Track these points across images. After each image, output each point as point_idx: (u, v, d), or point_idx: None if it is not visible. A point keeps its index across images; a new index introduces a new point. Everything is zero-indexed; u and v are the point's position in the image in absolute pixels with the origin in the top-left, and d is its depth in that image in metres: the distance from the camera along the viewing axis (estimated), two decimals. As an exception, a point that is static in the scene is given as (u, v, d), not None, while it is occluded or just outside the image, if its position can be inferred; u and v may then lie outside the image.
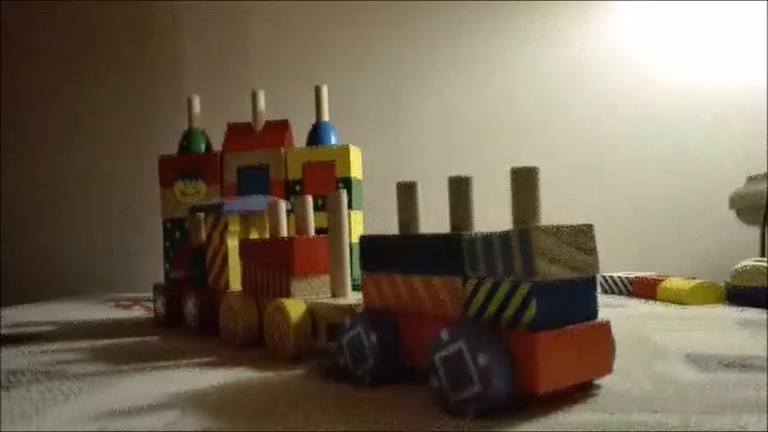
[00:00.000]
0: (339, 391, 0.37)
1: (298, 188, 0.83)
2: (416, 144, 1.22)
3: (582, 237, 0.33)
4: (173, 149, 0.91)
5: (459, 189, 0.36)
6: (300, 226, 0.52)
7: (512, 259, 0.31)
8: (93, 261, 1.32)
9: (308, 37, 1.27)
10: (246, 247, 0.56)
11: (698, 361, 0.42)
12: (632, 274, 0.86)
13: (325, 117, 0.86)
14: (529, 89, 1.20)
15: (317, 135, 0.85)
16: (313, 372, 0.42)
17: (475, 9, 1.22)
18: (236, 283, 0.60)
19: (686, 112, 1.15)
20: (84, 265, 1.32)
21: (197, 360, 0.47)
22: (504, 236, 0.32)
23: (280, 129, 0.87)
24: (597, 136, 1.17)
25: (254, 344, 0.52)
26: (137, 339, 0.59)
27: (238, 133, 0.88)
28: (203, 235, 0.65)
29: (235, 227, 0.61)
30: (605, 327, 0.33)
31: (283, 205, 0.56)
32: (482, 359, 0.30)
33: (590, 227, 0.33)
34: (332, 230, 0.48)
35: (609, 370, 0.34)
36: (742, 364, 0.40)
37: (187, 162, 0.87)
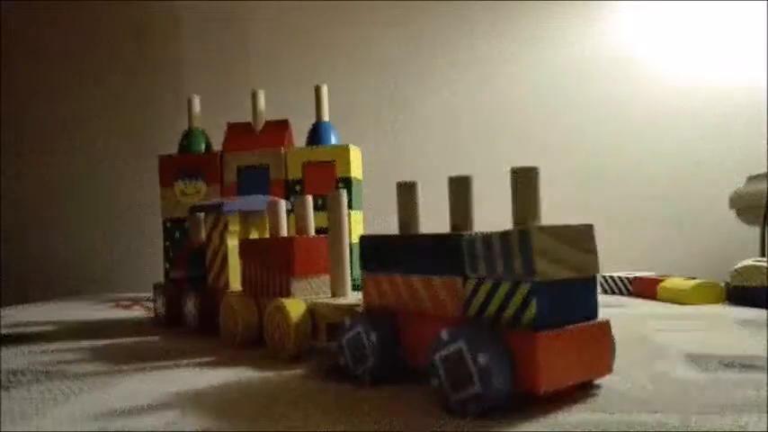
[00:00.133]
0: (339, 391, 0.37)
1: (298, 188, 0.83)
2: (416, 144, 1.22)
3: (582, 237, 0.33)
4: (173, 149, 0.91)
5: (460, 189, 0.36)
6: (300, 226, 0.52)
7: (512, 259, 0.31)
8: (93, 261, 1.32)
9: (308, 37, 1.27)
10: (246, 247, 0.56)
11: (698, 361, 0.42)
12: (632, 274, 0.86)
13: (325, 117, 0.86)
14: (529, 89, 1.20)
15: (316, 135, 0.85)
16: (313, 371, 0.42)
17: (476, 9, 1.22)
18: (235, 282, 0.60)
19: (686, 112, 1.15)
20: (84, 264, 1.32)
21: (197, 360, 0.47)
22: (504, 236, 0.32)
23: (280, 128, 0.87)
24: (597, 136, 1.17)
25: (254, 344, 0.52)
26: (137, 339, 0.59)
27: (238, 133, 0.88)
28: (203, 235, 0.65)
29: (235, 226, 0.61)
30: (605, 326, 0.33)
31: (283, 205, 0.56)
32: (482, 359, 0.30)
33: (590, 227, 0.33)
34: (332, 230, 0.48)
35: (609, 370, 0.34)
36: (742, 364, 0.40)
37: (187, 162, 0.87)
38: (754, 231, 0.86)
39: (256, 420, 0.31)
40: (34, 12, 1.38)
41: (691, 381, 0.36)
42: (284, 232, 0.55)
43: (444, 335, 0.32)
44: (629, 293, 0.83)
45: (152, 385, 0.39)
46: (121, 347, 0.55)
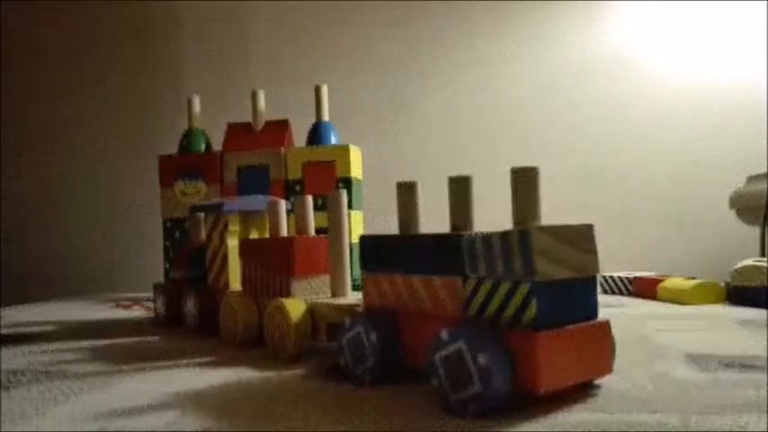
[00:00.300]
0: (339, 391, 0.37)
1: (298, 188, 0.83)
2: (416, 144, 1.22)
3: (582, 237, 0.33)
4: (173, 149, 0.91)
5: (460, 189, 0.36)
6: (300, 226, 0.52)
7: (512, 259, 0.31)
8: (94, 261, 1.32)
9: (308, 37, 1.27)
10: (246, 247, 0.56)
11: (698, 361, 0.42)
12: (632, 274, 0.86)
13: (325, 117, 0.86)
14: (529, 89, 1.20)
15: (316, 135, 0.85)
16: (313, 371, 0.42)
17: (476, 9, 1.22)
18: (235, 282, 0.60)
19: (686, 112, 1.15)
20: (84, 264, 1.32)
21: (197, 360, 0.47)
22: (504, 236, 0.32)
23: (280, 128, 0.87)
24: (597, 136, 1.17)
25: (254, 344, 0.52)
26: (137, 339, 0.59)
27: (238, 133, 0.88)
28: (203, 235, 0.65)
29: (235, 227, 0.61)
30: (605, 326, 0.33)
31: (283, 205, 0.56)
32: (482, 359, 0.30)
33: (590, 227, 0.33)
34: (332, 230, 0.48)
35: (609, 370, 0.34)
36: (742, 364, 0.40)
37: (187, 162, 0.87)
38: (755, 231, 0.86)
39: (256, 420, 0.31)
40: (34, 12, 1.38)
41: (691, 381, 0.36)
42: (284, 232, 0.55)
43: (444, 335, 0.32)
44: (629, 293, 0.83)
45: (152, 385, 0.39)
46: (121, 347, 0.55)
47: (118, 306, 0.91)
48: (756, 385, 0.35)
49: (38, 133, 1.37)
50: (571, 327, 0.31)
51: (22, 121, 1.38)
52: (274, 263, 0.51)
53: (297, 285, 0.50)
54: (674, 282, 0.76)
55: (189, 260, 0.66)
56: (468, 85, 1.22)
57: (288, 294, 0.50)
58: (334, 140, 0.85)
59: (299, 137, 0.89)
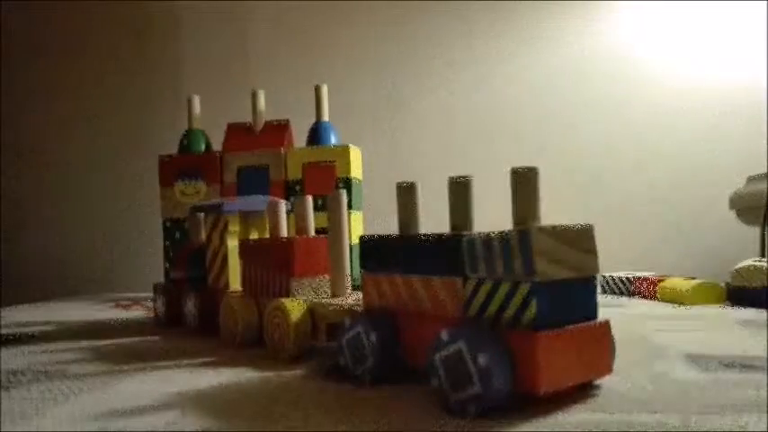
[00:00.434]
0: (339, 391, 0.37)
1: (298, 188, 0.83)
2: (416, 144, 1.22)
3: (582, 237, 0.33)
4: (173, 149, 0.91)
5: (459, 189, 0.36)
6: (300, 226, 0.52)
7: (512, 259, 0.31)
8: (93, 261, 1.32)
9: (307, 37, 1.27)
10: (246, 248, 0.56)
11: (698, 361, 0.42)
12: (632, 274, 0.86)
13: (325, 117, 0.86)
14: (528, 89, 1.20)
15: (316, 135, 0.85)
16: (313, 372, 0.42)
17: (474, 9, 1.22)
18: (235, 283, 0.60)
19: (686, 113, 1.15)
20: (84, 264, 1.32)
21: (197, 360, 0.47)
22: (504, 236, 0.32)
23: (279, 129, 0.87)
24: (597, 136, 1.17)
25: (254, 344, 0.52)
26: (137, 339, 0.59)
27: (238, 133, 0.88)
28: (203, 235, 0.65)
29: (235, 227, 0.61)
30: (605, 327, 0.33)
31: (283, 205, 0.56)
32: (482, 359, 0.30)
33: (590, 227, 0.33)
34: (332, 231, 0.48)
35: (609, 370, 0.34)
36: (742, 365, 0.40)
37: (187, 162, 0.87)
38: (755, 232, 0.86)
39: (256, 421, 0.31)
40: (34, 12, 1.38)
41: (691, 381, 0.36)
42: (284, 233, 0.55)
43: (444, 335, 0.32)
44: (629, 294, 0.83)
45: (152, 385, 0.39)
46: (121, 347, 0.55)
47: (118, 306, 0.91)
48: (756, 385, 0.35)
49: (38, 133, 1.37)
50: (571, 327, 0.31)
51: (21, 121, 1.38)
52: (274, 263, 0.51)
53: (297, 286, 0.50)
54: (675, 282, 0.76)
55: (189, 260, 0.66)
56: (468, 85, 1.22)
57: (288, 295, 0.50)
58: (334, 141, 0.85)
59: (299, 137, 0.89)
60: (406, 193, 0.39)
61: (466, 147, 1.20)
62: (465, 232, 0.35)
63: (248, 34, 1.29)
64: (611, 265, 0.88)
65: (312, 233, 0.52)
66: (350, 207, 0.79)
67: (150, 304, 0.86)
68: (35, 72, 1.38)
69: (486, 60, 1.21)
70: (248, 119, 0.88)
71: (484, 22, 1.22)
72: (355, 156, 0.84)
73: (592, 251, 0.33)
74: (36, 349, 0.55)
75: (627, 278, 0.84)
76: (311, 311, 0.47)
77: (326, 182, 0.81)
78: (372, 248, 0.41)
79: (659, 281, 0.77)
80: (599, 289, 0.87)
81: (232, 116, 0.91)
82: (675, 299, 0.74)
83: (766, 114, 1.10)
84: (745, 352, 0.44)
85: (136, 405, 0.35)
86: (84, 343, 0.57)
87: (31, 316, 0.82)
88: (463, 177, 0.36)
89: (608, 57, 1.18)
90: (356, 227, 0.81)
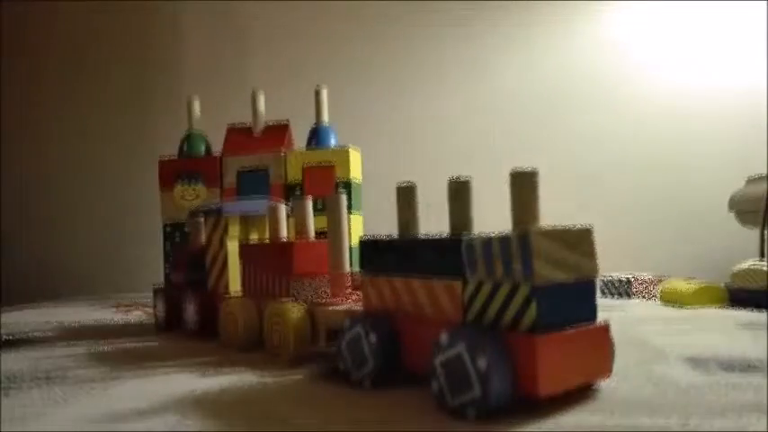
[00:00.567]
0: (339, 395, 0.37)
1: (297, 190, 0.83)
2: (416, 146, 1.22)
3: (581, 239, 0.33)
4: (172, 152, 0.91)
5: (459, 191, 0.36)
6: (300, 228, 0.52)
7: (511, 262, 0.31)
8: (94, 263, 1.32)
9: (307, 39, 1.27)
10: (246, 250, 0.56)
11: (698, 363, 0.42)
12: (632, 276, 0.86)
13: (325, 119, 0.86)
14: (529, 91, 1.20)
15: (316, 137, 0.85)
16: (313, 375, 0.42)
17: (476, 11, 1.22)
18: (236, 285, 0.60)
19: (686, 114, 1.15)
20: (85, 267, 1.32)
21: (197, 363, 0.47)
22: (503, 238, 0.32)
23: (279, 131, 0.87)
24: (597, 138, 1.17)
25: (254, 347, 0.52)
26: (137, 342, 0.59)
27: (238, 135, 0.88)
28: (203, 238, 0.65)
29: (235, 229, 0.61)
30: (605, 329, 0.33)
31: (283, 208, 0.56)
32: (482, 362, 0.30)
33: (589, 230, 0.33)
34: (332, 233, 0.48)
35: (608, 372, 0.34)
36: (742, 367, 0.40)
37: (187, 164, 0.87)
38: (754, 233, 0.86)
39: (256, 424, 0.31)
40: (34, 12, 1.38)
41: (690, 383, 0.36)
42: (284, 235, 0.55)
43: (444, 338, 0.32)
44: (629, 295, 0.83)
45: (152, 388, 0.39)
46: (121, 350, 0.55)
47: (118, 309, 0.91)
48: (756, 388, 0.35)
49: (38, 135, 1.37)
50: (571, 329, 0.31)
51: (22, 121, 1.38)
52: (274, 266, 0.51)
53: (297, 288, 0.50)
54: (675, 284, 0.76)
55: (189, 263, 0.66)
56: (468, 86, 1.22)
57: (288, 297, 0.50)
58: (333, 143, 0.85)
59: (299, 139, 0.89)
60: (406, 195, 0.39)
61: (465, 148, 1.20)
62: (464, 234, 0.35)
63: (248, 36, 1.29)
64: (610, 268, 0.88)
65: (312, 235, 0.52)
66: (350, 209, 0.79)
67: (150, 307, 0.86)
68: (35, 73, 1.38)
69: (488, 62, 1.22)
70: (248, 121, 0.89)
71: (485, 25, 1.22)
72: (355, 158, 0.84)
73: (591, 253, 0.33)
74: (36, 353, 0.55)
75: (627, 280, 0.84)
76: (311, 314, 0.47)
77: (326, 184, 0.81)
78: (372, 250, 0.41)
79: (660, 282, 0.77)
80: (598, 291, 0.87)
81: (232, 118, 0.91)
82: (676, 300, 0.73)
83: (766, 115, 1.10)
84: (745, 354, 0.44)
85: (136, 408, 0.35)
86: (85, 346, 0.57)
87: (31, 318, 0.82)
88: (463, 179, 0.36)
89: (610, 58, 1.18)
90: (356, 229, 0.81)
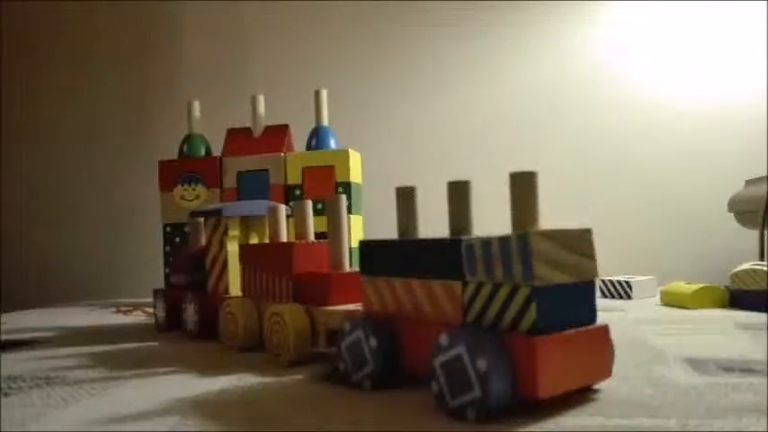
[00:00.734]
0: (339, 396, 0.37)
1: (297, 192, 0.83)
2: (416, 148, 1.22)
3: (581, 241, 0.33)
4: (173, 154, 0.91)
5: (459, 193, 0.36)
6: (300, 230, 0.52)
7: (511, 263, 0.31)
8: (94, 266, 1.32)
9: (307, 42, 1.27)
10: (246, 252, 0.56)
11: (697, 364, 0.42)
12: (632, 278, 0.86)
13: (325, 121, 0.86)
14: (529, 93, 1.20)
15: (316, 139, 0.86)
16: (313, 376, 0.42)
17: (477, 13, 1.22)
18: (236, 287, 0.60)
19: (685, 114, 1.15)
20: (85, 270, 1.32)
21: (197, 365, 0.47)
22: (503, 240, 0.32)
23: (279, 133, 0.87)
24: (597, 140, 1.18)
25: (254, 349, 0.52)
26: (137, 344, 0.59)
27: (238, 137, 0.88)
28: (203, 240, 0.65)
29: (234, 231, 0.61)
30: (604, 331, 0.34)
31: (283, 209, 0.56)
32: (482, 364, 0.30)
33: (589, 231, 0.33)
34: (331, 235, 0.49)
35: (608, 374, 0.34)
36: (742, 368, 0.40)
37: (187, 166, 0.87)
38: (754, 235, 0.86)
39: (256, 425, 0.31)
40: (34, 12, 1.38)
41: (690, 385, 0.36)
42: (284, 237, 0.55)
43: (444, 340, 0.32)
44: (629, 297, 0.83)
45: (152, 390, 0.39)
46: (122, 353, 0.55)
47: (118, 311, 0.91)
48: (756, 389, 0.35)
49: (38, 137, 1.37)
50: (570, 331, 0.31)
51: (22, 122, 1.38)
52: (274, 268, 0.51)
53: (297, 290, 0.50)
54: (676, 285, 0.76)
55: (189, 265, 0.66)
56: (468, 89, 1.22)
57: (288, 299, 0.50)
58: (333, 145, 0.85)
59: (299, 141, 0.89)
60: (406, 197, 0.40)
61: (465, 151, 1.20)
62: (464, 236, 0.35)
63: (248, 39, 1.30)
64: (610, 269, 0.88)
65: (312, 237, 0.52)
66: (349, 211, 0.79)
67: (150, 309, 0.86)
68: (36, 75, 1.38)
69: (487, 65, 1.22)
70: (248, 123, 0.89)
71: (485, 27, 1.22)
72: (355, 160, 0.84)
73: (591, 255, 0.33)
74: (36, 355, 0.55)
75: (626, 282, 0.84)
76: (311, 316, 0.47)
77: (326, 186, 0.81)
78: (372, 252, 0.41)
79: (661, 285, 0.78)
80: (598, 293, 0.87)
81: (232, 121, 0.92)
82: (677, 302, 0.74)
83: (766, 116, 1.10)
84: (745, 356, 0.44)
85: (136, 410, 0.35)
86: (85, 348, 0.57)
87: (31, 321, 0.82)
88: (462, 181, 0.36)
89: (610, 59, 1.18)
90: (356, 231, 0.81)
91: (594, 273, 0.33)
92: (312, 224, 0.53)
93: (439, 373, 0.32)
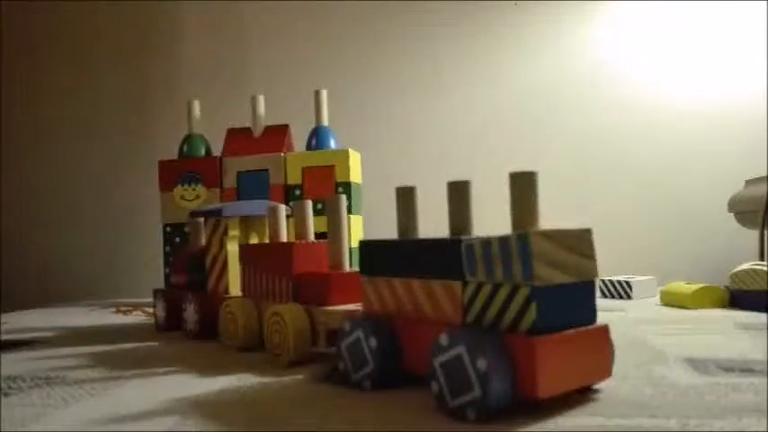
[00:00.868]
0: (339, 396, 0.37)
1: (297, 192, 0.83)
2: (415, 148, 1.22)
3: (581, 241, 0.33)
4: (173, 154, 0.91)
5: (459, 193, 0.36)
6: (300, 230, 0.52)
7: (511, 263, 0.31)
8: (94, 266, 1.32)
9: (307, 42, 1.27)
10: (246, 252, 0.56)
11: (697, 364, 0.42)
12: (632, 278, 0.86)
13: (325, 121, 0.86)
14: (529, 93, 1.20)
15: (316, 139, 0.86)
16: (313, 376, 0.42)
17: (477, 13, 1.22)
18: (236, 287, 0.60)
19: (685, 114, 1.15)
20: (85, 270, 1.32)
21: (197, 365, 0.47)
22: (503, 240, 0.32)
23: (279, 133, 0.87)
24: (597, 140, 1.17)
25: (254, 349, 0.52)
26: (137, 344, 0.59)
27: (238, 138, 0.88)
28: (203, 239, 0.65)
29: (235, 231, 0.61)
30: (604, 331, 0.34)
31: (283, 209, 0.56)
32: (481, 364, 0.30)
33: (588, 231, 0.33)
34: (331, 235, 0.49)
35: (608, 374, 0.34)
36: (742, 368, 0.40)
37: (187, 166, 0.87)
38: (754, 234, 0.86)
39: (256, 425, 0.31)
40: (35, 15, 1.38)
41: (690, 385, 0.36)
42: (284, 237, 0.55)
43: (444, 340, 0.32)
44: (629, 297, 0.83)
45: (152, 390, 0.39)
46: (122, 353, 0.55)
47: (118, 311, 0.91)
48: (756, 389, 0.35)
49: (38, 137, 1.37)
50: (570, 331, 0.31)
51: (22, 123, 1.38)
52: (274, 268, 0.51)
53: (297, 290, 0.50)
54: (676, 286, 0.76)
55: (189, 265, 0.66)
56: (468, 88, 1.22)
57: (288, 299, 0.50)
58: (333, 145, 0.85)
59: (299, 141, 0.89)
60: (406, 197, 0.40)
61: (465, 150, 1.20)
62: (464, 236, 0.35)
63: (248, 39, 1.30)
64: (610, 269, 0.88)
65: (312, 237, 0.52)
66: (349, 211, 0.79)
67: (150, 309, 0.86)
68: (36, 75, 1.38)
69: (487, 64, 1.22)
70: (248, 123, 0.89)
71: (485, 26, 1.22)
72: (354, 160, 0.84)
73: (591, 255, 0.33)
74: (36, 355, 0.55)
75: (626, 282, 0.84)
76: (311, 316, 0.47)
77: (326, 186, 0.81)
78: (372, 253, 0.41)
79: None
80: (598, 293, 0.87)
81: (232, 121, 0.92)
82: (677, 302, 0.74)
83: (766, 116, 1.10)
84: (745, 356, 0.44)
85: (136, 410, 0.35)
86: (85, 348, 0.57)
87: (31, 321, 0.82)
88: (462, 181, 0.36)
89: (610, 60, 1.18)
90: (356, 231, 0.81)
91: (594, 273, 0.33)
92: (312, 224, 0.53)
93: (439, 373, 0.32)
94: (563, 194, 1.12)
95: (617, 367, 0.35)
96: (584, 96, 1.18)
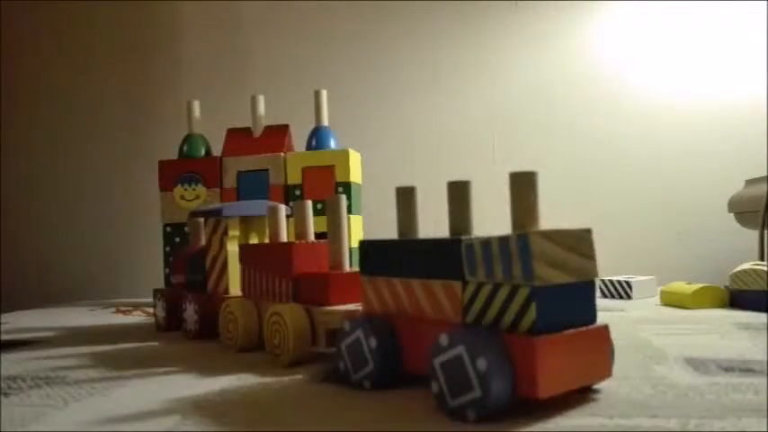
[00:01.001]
0: (339, 396, 0.37)
1: (297, 192, 0.83)
2: (415, 148, 1.22)
3: (581, 241, 0.33)
4: (173, 154, 0.91)
5: (459, 193, 0.36)
6: (300, 230, 0.52)
7: (511, 263, 0.31)
8: (94, 266, 1.32)
9: (307, 42, 1.27)
10: (246, 252, 0.56)
11: (697, 364, 0.42)
12: (632, 278, 0.86)
13: (325, 122, 0.86)
14: (528, 92, 1.20)
15: (316, 139, 0.86)
16: (313, 377, 0.42)
17: (477, 12, 1.22)
18: (235, 287, 0.60)
19: (685, 115, 1.15)
20: (84, 270, 1.32)
21: (197, 365, 0.47)
22: (503, 240, 0.32)
23: (279, 133, 0.87)
24: (597, 140, 1.18)
25: (254, 349, 0.52)
26: (137, 345, 0.59)
27: (238, 138, 0.88)
28: (203, 239, 0.65)
29: (234, 231, 0.61)
30: (604, 331, 0.34)
31: (283, 210, 0.56)
32: (481, 364, 0.30)
33: (588, 231, 0.33)
34: (331, 235, 0.49)
35: (608, 374, 0.34)
36: (742, 368, 0.40)
37: (187, 166, 0.87)
38: (754, 234, 0.86)
39: (256, 426, 0.31)
40: (35, 14, 1.38)
41: (690, 385, 0.36)
42: (284, 237, 0.55)
43: (444, 340, 0.32)
44: (629, 297, 0.83)
45: (152, 391, 0.39)
46: (121, 353, 0.55)
47: (118, 311, 0.91)
48: (756, 389, 0.35)
49: (37, 137, 1.37)
50: (570, 331, 0.31)
51: (22, 126, 1.38)
52: (274, 268, 0.51)
53: (296, 290, 0.50)
54: (676, 286, 0.76)
55: (189, 265, 0.66)
56: (468, 89, 1.22)
57: (287, 299, 0.50)
58: (333, 145, 0.85)
59: (299, 141, 0.89)
60: (406, 197, 0.40)
61: (465, 151, 1.20)
62: (464, 236, 0.35)
63: (248, 39, 1.30)
64: (610, 270, 0.88)
65: (312, 237, 0.52)
66: (349, 211, 0.79)
67: (150, 309, 0.86)
68: (36, 75, 1.38)
69: (488, 64, 1.22)
70: (248, 123, 0.89)
71: (485, 26, 1.22)
72: (354, 160, 0.84)
73: (591, 255, 0.33)
74: (36, 355, 0.55)
75: (626, 282, 0.84)
76: (310, 316, 0.47)
77: (326, 186, 0.81)
78: (372, 253, 0.41)
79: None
80: (598, 293, 0.87)
81: (232, 121, 0.92)
82: (677, 302, 0.74)
83: (766, 117, 1.10)
84: (745, 356, 0.44)
85: (136, 410, 0.35)
86: (85, 348, 0.57)
87: (31, 322, 0.82)
88: (462, 181, 0.36)
89: (610, 60, 1.18)
90: (356, 231, 0.81)
91: (594, 273, 0.33)
92: (312, 224, 0.53)
93: (439, 373, 0.32)
94: (563, 194, 1.12)
95: (617, 367, 0.35)
96: (585, 96, 1.18)
